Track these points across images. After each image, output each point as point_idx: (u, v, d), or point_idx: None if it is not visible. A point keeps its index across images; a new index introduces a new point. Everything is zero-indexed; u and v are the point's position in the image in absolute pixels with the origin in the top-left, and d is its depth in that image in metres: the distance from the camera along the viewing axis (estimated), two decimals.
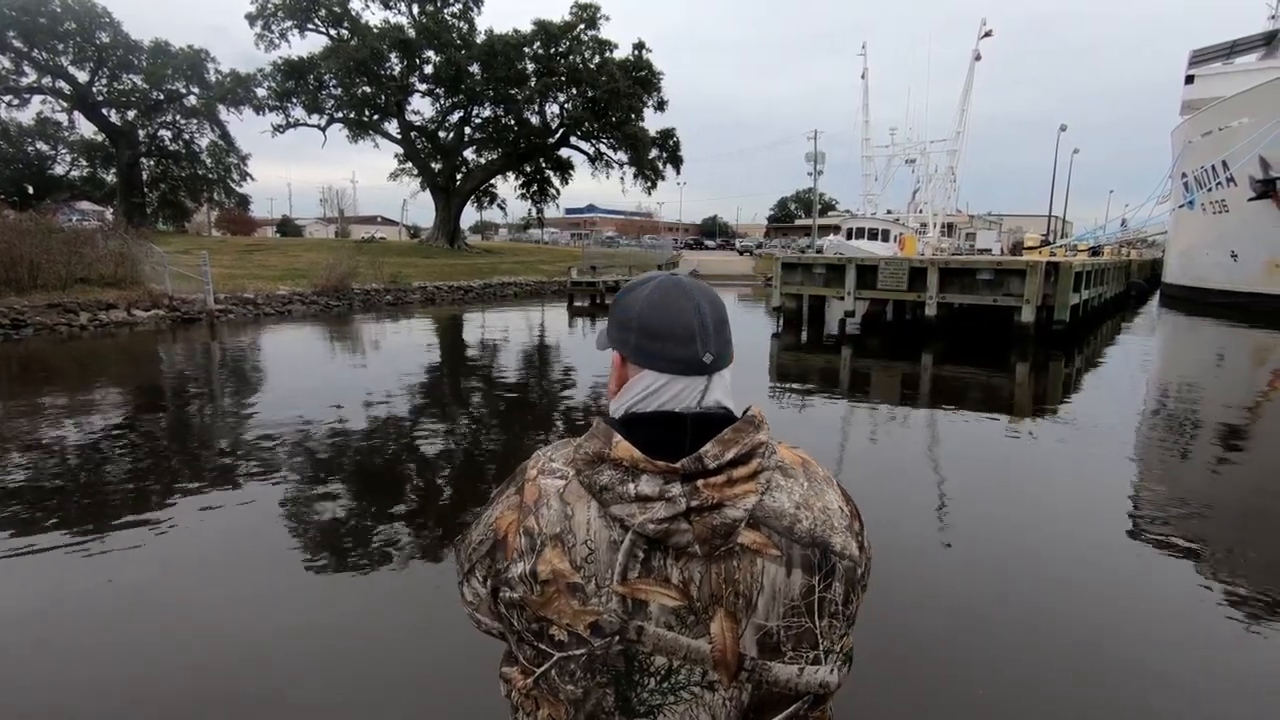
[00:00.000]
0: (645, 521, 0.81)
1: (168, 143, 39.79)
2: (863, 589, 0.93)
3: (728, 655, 0.84)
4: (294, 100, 35.97)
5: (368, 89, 36.00)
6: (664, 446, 0.83)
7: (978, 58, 34.47)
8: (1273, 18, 33.85)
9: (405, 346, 15.42)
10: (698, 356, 0.88)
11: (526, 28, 36.04)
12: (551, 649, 0.87)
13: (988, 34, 34.22)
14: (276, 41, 35.43)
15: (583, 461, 0.86)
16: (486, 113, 38.99)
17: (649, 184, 40.25)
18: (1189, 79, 33.85)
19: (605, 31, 36.61)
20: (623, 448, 0.83)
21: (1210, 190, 28.47)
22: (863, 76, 39.40)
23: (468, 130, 39.76)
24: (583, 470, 0.86)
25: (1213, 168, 27.53)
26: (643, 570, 0.83)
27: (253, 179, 42.88)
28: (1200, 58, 34.67)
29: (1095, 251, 36.56)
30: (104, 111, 36.83)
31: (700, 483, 0.81)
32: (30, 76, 34.26)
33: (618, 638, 0.84)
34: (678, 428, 0.86)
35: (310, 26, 36.08)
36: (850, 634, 0.92)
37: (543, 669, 0.88)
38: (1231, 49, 34.25)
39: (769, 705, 0.87)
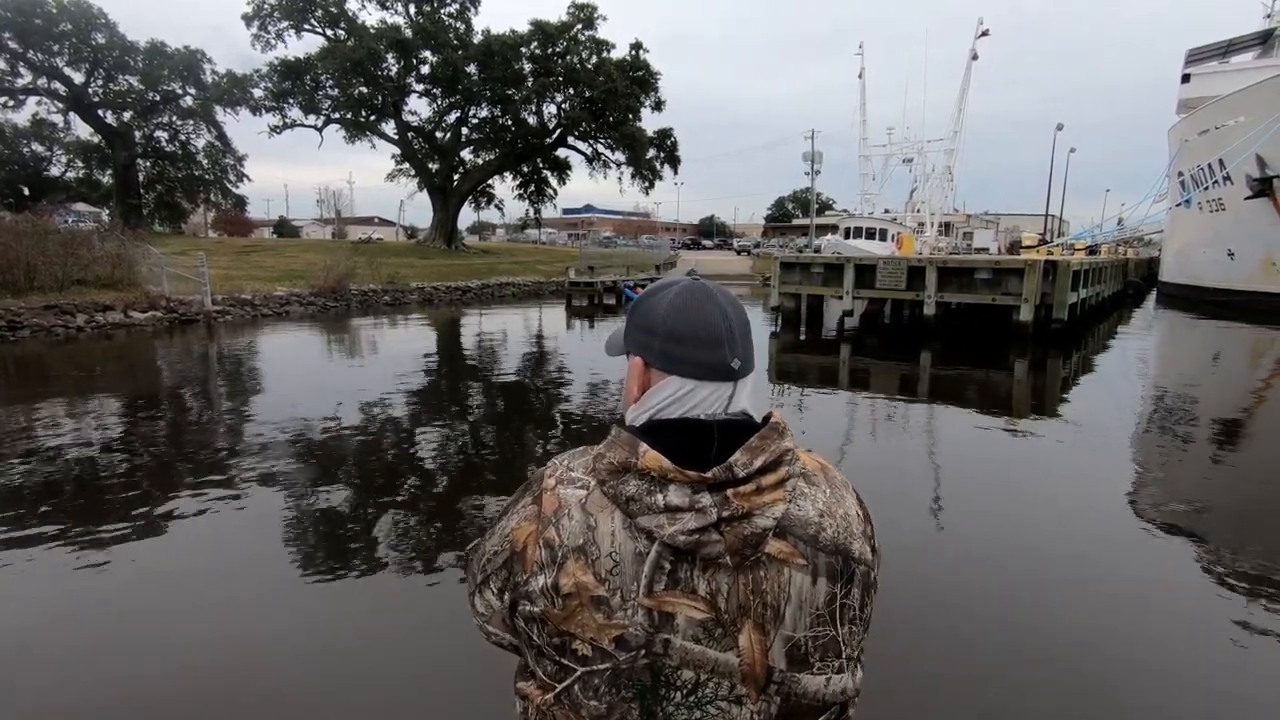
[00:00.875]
0: (676, 533, 0.79)
1: (164, 144, 39.66)
2: (874, 591, 0.93)
3: (756, 668, 0.82)
4: (290, 101, 35.92)
5: (364, 89, 35.96)
6: (689, 454, 0.81)
7: (975, 57, 34.62)
8: (1268, 17, 33.97)
9: (404, 347, 15.39)
10: (725, 362, 0.86)
11: (523, 28, 36.07)
12: (574, 664, 0.84)
13: (984, 33, 34.35)
14: (273, 42, 35.43)
15: (606, 471, 0.84)
16: (484, 113, 38.97)
17: (647, 184, 40.23)
18: (1185, 78, 33.93)
19: (602, 31, 36.67)
20: (651, 457, 0.81)
21: (1207, 189, 28.53)
22: (860, 76, 39.56)
23: (465, 131, 39.74)
24: (607, 480, 0.83)
25: (1209, 166, 27.60)
26: (669, 582, 0.81)
27: (249, 180, 42.85)
28: (1196, 57, 34.75)
29: (1092, 250, 36.67)
30: (100, 113, 36.71)
31: (730, 492, 0.79)
32: (25, 78, 34.14)
33: (644, 651, 0.82)
34: (703, 435, 0.84)
35: (307, 27, 36.04)
36: (865, 637, 0.92)
37: (565, 684, 0.85)
38: (1228, 48, 34.35)
39: (796, 718, 0.86)
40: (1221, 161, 26.30)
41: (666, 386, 0.87)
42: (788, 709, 0.84)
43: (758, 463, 0.81)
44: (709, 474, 0.80)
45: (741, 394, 0.89)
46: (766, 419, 0.88)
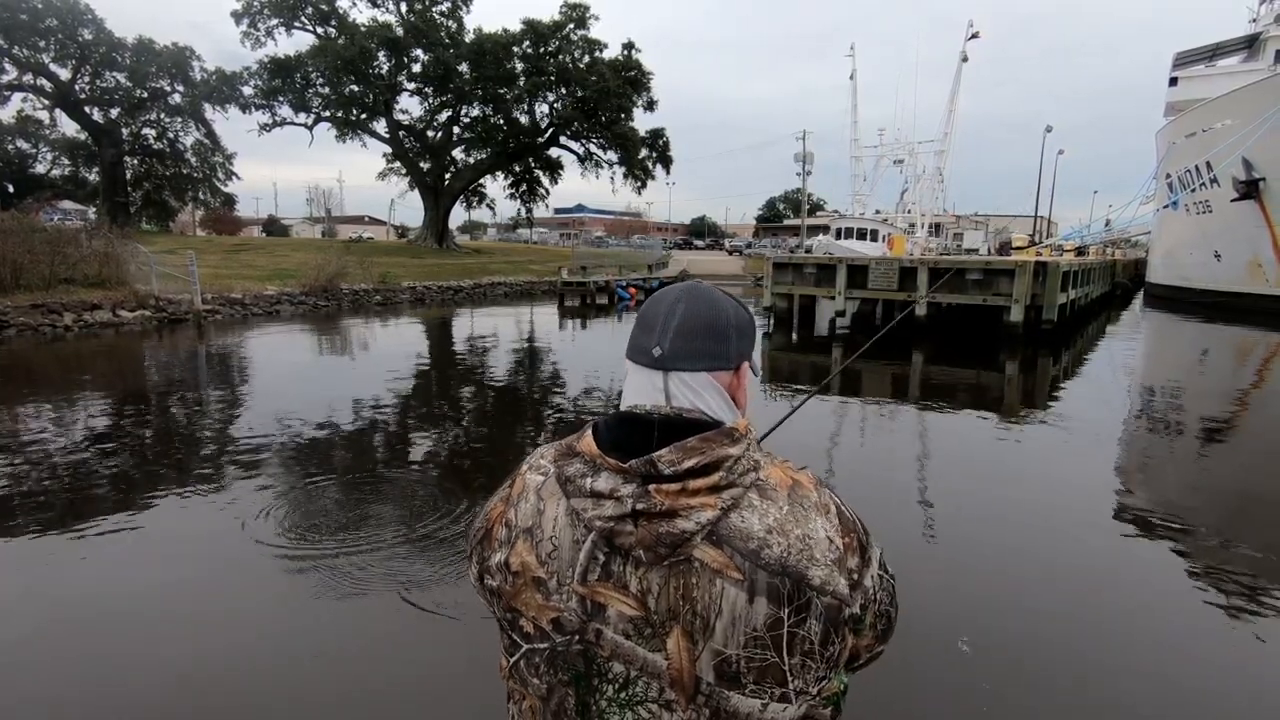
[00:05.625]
0: (594, 517, 0.81)
1: (152, 141, 39.31)
2: (860, 631, 0.88)
3: (683, 675, 0.81)
4: (280, 99, 35.68)
5: (355, 88, 35.74)
6: (633, 448, 0.83)
7: (965, 59, 34.77)
8: (1253, 21, 34.36)
9: (395, 347, 15.31)
10: (648, 346, 0.88)
11: (515, 27, 35.98)
12: (520, 640, 0.90)
13: (975, 36, 34.51)
14: (263, 39, 35.20)
15: (558, 453, 0.90)
16: (475, 112, 38.82)
17: (639, 184, 40.24)
18: (1173, 81, 34.26)
19: (595, 31, 36.62)
20: (586, 441, 0.86)
21: (1194, 191, 28.82)
22: (851, 77, 39.61)
23: (456, 129, 39.58)
24: (557, 461, 0.89)
25: (1196, 169, 27.87)
26: (603, 574, 0.83)
27: (238, 178, 42.55)
28: (1184, 60, 35.11)
29: (1081, 251, 36.95)
30: (86, 109, 36.33)
31: (652, 487, 0.79)
32: (11, 74, 33.77)
33: (577, 637, 0.84)
34: (645, 430, 0.85)
35: (297, 24, 35.82)
36: (835, 677, 0.87)
37: (514, 659, 0.92)
38: (1214, 52, 34.71)
39: None
40: (1209, 164, 26.57)
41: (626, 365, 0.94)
42: None
43: (688, 463, 0.80)
44: (628, 465, 0.81)
45: (681, 391, 0.86)
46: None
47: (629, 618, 0.82)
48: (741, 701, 0.81)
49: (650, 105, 38.42)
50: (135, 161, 39.79)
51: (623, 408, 0.90)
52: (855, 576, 0.85)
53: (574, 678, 0.86)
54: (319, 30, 36.13)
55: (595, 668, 0.85)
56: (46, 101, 35.85)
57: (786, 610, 0.80)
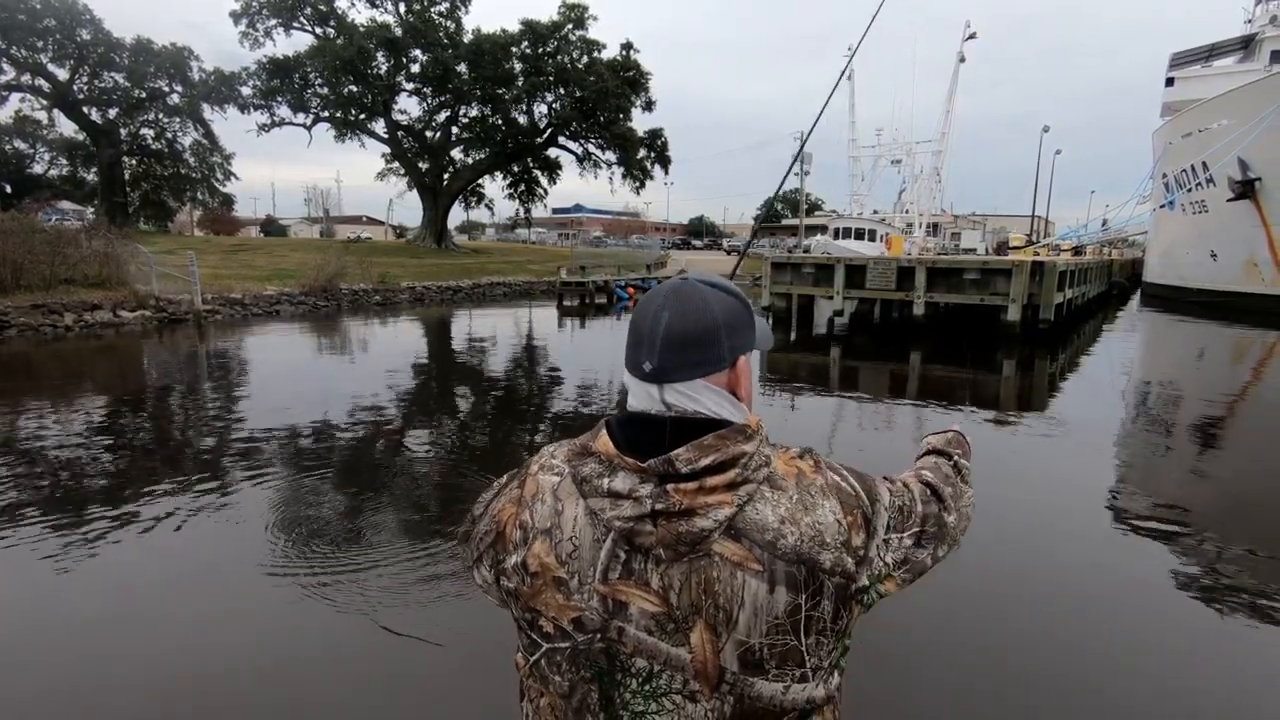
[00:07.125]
0: (613, 518, 0.82)
1: (150, 141, 39.19)
2: (858, 604, 0.88)
3: (708, 667, 0.82)
4: (279, 99, 35.64)
5: (354, 88, 35.69)
6: (646, 447, 0.83)
7: (962, 59, 34.89)
8: (1249, 22, 34.44)
9: (395, 347, 15.33)
10: (639, 362, 0.87)
11: (514, 27, 35.95)
12: (540, 639, 0.89)
13: (972, 36, 34.60)
14: (261, 40, 35.14)
15: (573, 453, 0.89)
16: (474, 112, 38.76)
17: (637, 184, 40.24)
18: (1169, 81, 34.37)
19: (593, 32, 36.59)
20: (602, 441, 0.86)
21: (1190, 191, 28.89)
22: (849, 78, 39.65)
23: (455, 130, 39.53)
24: (572, 460, 0.88)
25: (1192, 169, 27.95)
26: (624, 572, 0.83)
27: (237, 178, 42.48)
28: (1180, 61, 35.20)
29: (1078, 251, 37.02)
30: (85, 110, 36.24)
31: (670, 486, 0.80)
32: (9, 74, 33.70)
33: (599, 635, 0.84)
34: (657, 430, 0.85)
35: (296, 25, 35.77)
36: (841, 646, 0.89)
37: (534, 658, 0.91)
38: (1210, 52, 34.79)
39: (752, 718, 0.85)
40: (1205, 164, 26.65)
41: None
42: (742, 710, 0.84)
43: (705, 461, 0.80)
44: (647, 464, 0.81)
45: (676, 399, 0.86)
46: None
47: (651, 614, 0.82)
48: (765, 686, 0.83)
49: (649, 105, 38.41)
50: (133, 162, 39.69)
51: (630, 409, 0.90)
52: (862, 553, 0.87)
53: (596, 674, 0.86)
54: (317, 30, 36.08)
55: (618, 664, 0.85)
56: (44, 102, 35.79)
57: (804, 596, 0.82)
